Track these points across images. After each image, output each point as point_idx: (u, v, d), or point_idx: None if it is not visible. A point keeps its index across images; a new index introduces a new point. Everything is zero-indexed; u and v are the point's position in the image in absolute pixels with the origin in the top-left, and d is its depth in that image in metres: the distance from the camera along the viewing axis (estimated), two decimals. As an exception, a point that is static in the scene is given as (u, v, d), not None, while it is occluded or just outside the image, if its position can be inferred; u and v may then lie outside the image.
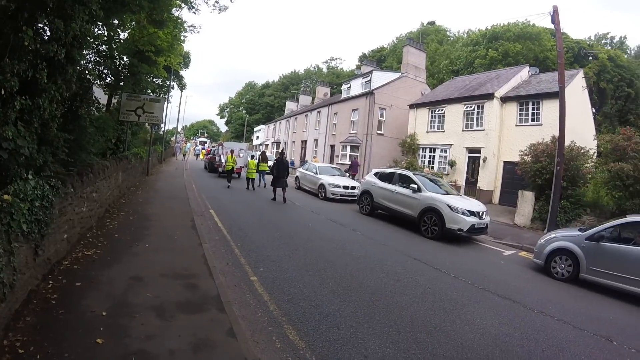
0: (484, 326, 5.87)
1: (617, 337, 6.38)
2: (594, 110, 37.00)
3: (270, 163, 22.79)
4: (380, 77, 34.15)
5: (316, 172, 20.50)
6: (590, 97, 27.66)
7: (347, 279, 6.95)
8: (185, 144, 60.91)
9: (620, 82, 43.01)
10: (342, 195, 18.55)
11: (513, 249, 12.82)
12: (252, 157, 22.67)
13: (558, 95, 15.54)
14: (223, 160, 23.67)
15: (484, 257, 11.24)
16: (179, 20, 16.00)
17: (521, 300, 7.38)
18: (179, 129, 69.05)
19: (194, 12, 14.24)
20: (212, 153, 30.55)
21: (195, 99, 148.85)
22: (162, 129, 33.57)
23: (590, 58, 45.14)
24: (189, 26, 17.24)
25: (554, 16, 14.96)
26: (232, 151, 22.49)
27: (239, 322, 4.66)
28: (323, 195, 18.86)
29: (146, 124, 19.86)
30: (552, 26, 15.58)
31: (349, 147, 33.73)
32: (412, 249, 10.41)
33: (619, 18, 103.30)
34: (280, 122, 59.43)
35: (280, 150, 32.21)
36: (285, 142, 52.87)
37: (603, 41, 57.61)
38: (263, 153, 25.06)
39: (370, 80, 34.33)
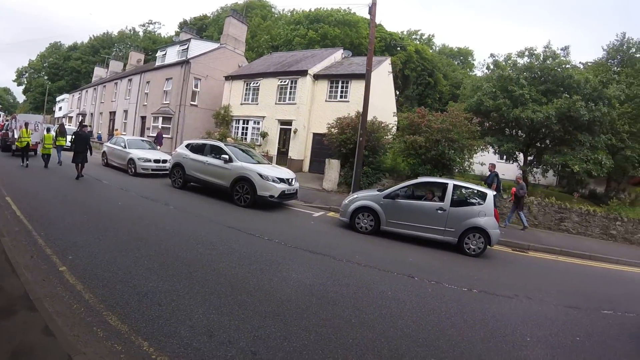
0: (299, 280, 6.50)
1: (418, 274, 7.78)
2: (398, 93, 42.21)
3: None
4: (198, 46, 33.26)
5: (125, 146, 19.07)
6: (395, 81, 31.09)
7: (163, 255, 6.90)
8: (-27, 119, 50.76)
9: (423, 72, 49.69)
10: (153, 170, 17.82)
11: (322, 210, 14.13)
12: (48, 130, 20.02)
13: (365, 76, 17.14)
14: (17, 136, 20.54)
15: (295, 220, 12.22)
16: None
17: (331, 254, 8.29)
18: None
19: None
20: (5, 128, 26.28)
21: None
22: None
23: (399, 49, 50.55)
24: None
25: (372, 8, 16.49)
26: (26, 124, 19.59)
27: (54, 319, 4.32)
28: (133, 170, 17.80)
29: None
30: (369, 16, 17.05)
31: (161, 119, 32.26)
32: (226, 218, 10.76)
33: (431, 18, 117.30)
34: (86, 91, 53.65)
35: (81, 122, 29.40)
36: (92, 114, 48.18)
37: (414, 36, 66.40)
38: (61, 125, 22.23)
39: (187, 48, 33.07)
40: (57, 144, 19.41)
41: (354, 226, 11.33)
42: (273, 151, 25.35)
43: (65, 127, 23.42)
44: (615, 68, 26.60)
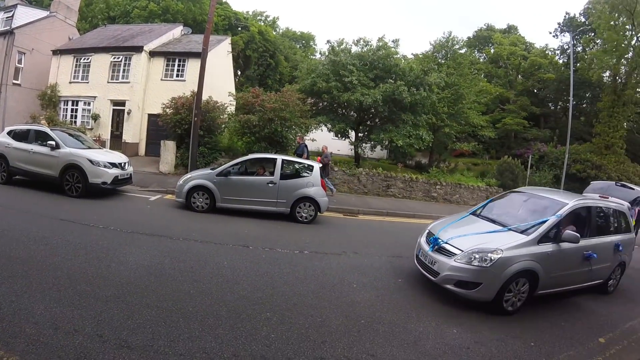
0: (137, 262, 6.50)
1: (253, 243, 8.24)
2: (239, 73, 42.10)
3: None
4: (26, 14, 27.80)
5: None
6: (236, 61, 30.87)
7: None
8: None
9: (265, 53, 50.06)
10: None
11: (159, 194, 13.75)
12: None
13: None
14: None
15: (131, 205, 11.78)
16: None
17: (167, 234, 8.31)
18: None
19: None
20: None
21: None
22: None
23: (240, 29, 50.28)
24: None
25: (213, -16, 16.12)
26: None
27: None
28: (-52, 168, 14.93)
29: None
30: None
31: None
32: (58, 211, 9.89)
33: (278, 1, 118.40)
34: None
35: None
36: None
37: (259, 17, 66.30)
38: None
39: (13, 16, 27.29)
40: None
41: (190, 206, 11.29)
42: (106, 135, 23.39)
43: None
44: (441, 60, 29.73)
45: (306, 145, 16.56)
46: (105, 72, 23.69)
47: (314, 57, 54.64)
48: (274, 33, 60.22)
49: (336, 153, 29.73)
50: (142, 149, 23.49)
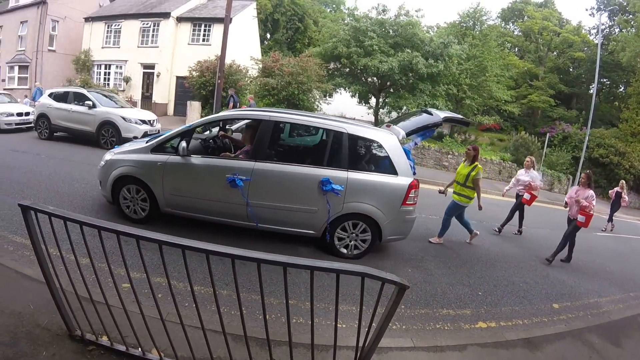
0: None
1: None
2: (268, 36, 42.48)
3: None
4: None
5: (-17, 101, 17.03)
6: (264, 24, 31.25)
7: (45, 191, 7.50)
8: None
9: (293, 17, 49.28)
10: (17, 124, 16.08)
11: None
12: None
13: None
14: None
15: None
16: None
17: None
18: None
19: None
20: None
21: None
22: None
23: (266, -8, 50.33)
24: None
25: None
26: None
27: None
28: (-4, 127, 16.27)
29: None
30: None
31: (17, 68, 28.41)
32: (95, 159, 10.56)
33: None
34: None
35: None
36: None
37: None
38: None
39: None
40: None
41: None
42: (137, 96, 24.65)
43: None
44: (469, 31, 29.61)
45: (232, 96, 17.68)
46: (135, 38, 24.84)
47: (342, 22, 54.41)
48: (304, -4, 58.98)
49: (359, 119, 30.36)
50: (170, 109, 24.76)
